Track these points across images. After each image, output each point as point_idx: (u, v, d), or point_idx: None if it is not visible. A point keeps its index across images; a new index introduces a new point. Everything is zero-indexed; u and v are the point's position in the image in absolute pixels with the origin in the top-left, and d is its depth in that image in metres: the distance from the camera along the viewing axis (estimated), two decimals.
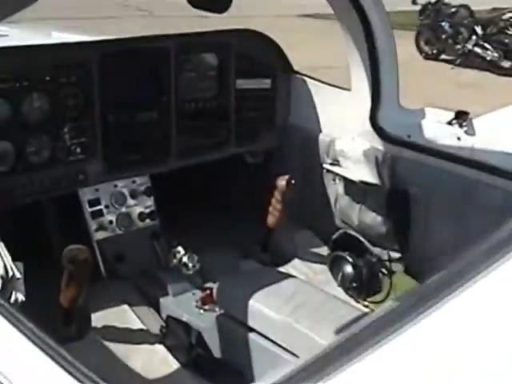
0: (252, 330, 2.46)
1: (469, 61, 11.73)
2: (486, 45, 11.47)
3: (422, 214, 3.08)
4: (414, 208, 3.10)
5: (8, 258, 2.03)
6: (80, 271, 2.36)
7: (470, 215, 2.88)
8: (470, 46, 11.68)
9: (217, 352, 2.62)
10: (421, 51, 12.56)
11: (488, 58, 11.46)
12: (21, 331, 1.52)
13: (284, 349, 2.34)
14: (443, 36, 12.15)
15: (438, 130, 3.02)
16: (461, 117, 2.98)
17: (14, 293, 1.90)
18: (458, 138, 2.94)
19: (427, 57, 12.51)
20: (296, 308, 2.37)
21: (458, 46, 11.89)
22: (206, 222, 3.49)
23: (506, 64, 11.23)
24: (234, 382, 2.51)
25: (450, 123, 3.00)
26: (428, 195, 3.02)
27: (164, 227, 3.16)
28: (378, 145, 3.14)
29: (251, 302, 2.44)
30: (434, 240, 3.07)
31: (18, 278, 1.94)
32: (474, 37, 11.67)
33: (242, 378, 2.50)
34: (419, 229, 3.11)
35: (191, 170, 3.34)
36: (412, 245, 3.17)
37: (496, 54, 11.34)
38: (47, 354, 1.45)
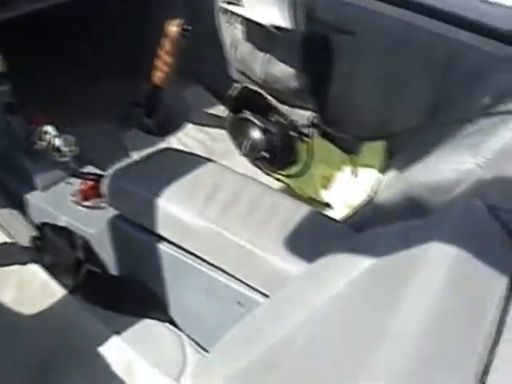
0: (162, 238, 1.81)
1: None
2: None
3: (345, 67, 2.50)
4: (336, 59, 2.51)
5: None
6: None
7: (404, 73, 2.34)
8: None
9: (112, 267, 1.97)
10: None
11: None
12: None
13: (212, 265, 1.73)
14: None
15: None
16: None
17: None
18: None
19: None
20: (223, 208, 1.72)
21: None
22: (73, 84, 2.70)
23: None
24: (136, 301, 1.91)
25: None
26: (357, 44, 2.43)
27: (18, 97, 2.35)
28: None
29: (157, 199, 1.76)
30: (358, 98, 2.53)
31: None
32: None
33: (148, 296, 1.90)
34: (341, 85, 2.54)
35: (46, 15, 2.51)
36: (331, 104, 2.61)
37: None
38: None
